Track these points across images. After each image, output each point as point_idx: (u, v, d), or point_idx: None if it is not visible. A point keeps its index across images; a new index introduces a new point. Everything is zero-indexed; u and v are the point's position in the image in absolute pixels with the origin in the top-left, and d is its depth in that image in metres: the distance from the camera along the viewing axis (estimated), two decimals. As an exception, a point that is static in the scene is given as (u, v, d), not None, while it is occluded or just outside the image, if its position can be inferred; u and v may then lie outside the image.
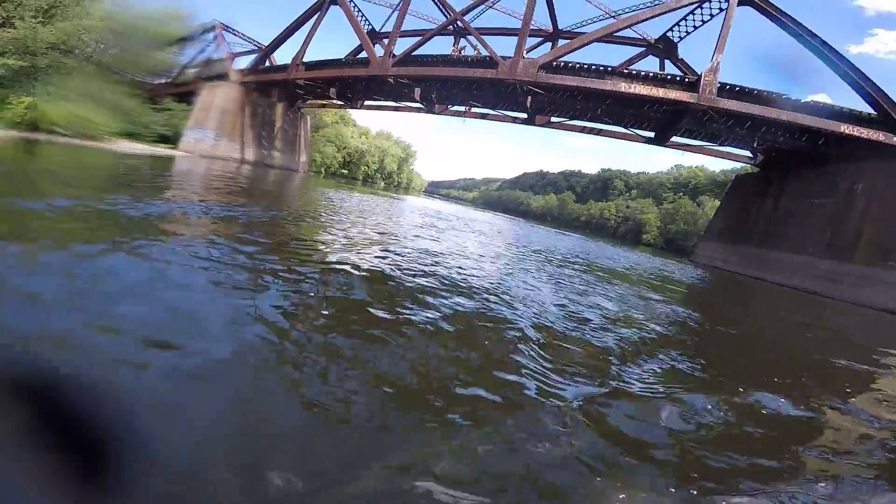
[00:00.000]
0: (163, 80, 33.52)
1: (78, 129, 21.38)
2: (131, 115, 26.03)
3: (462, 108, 28.54)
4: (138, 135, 26.75)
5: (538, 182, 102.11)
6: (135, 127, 26.48)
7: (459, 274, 4.69)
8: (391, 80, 23.90)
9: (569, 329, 3.43)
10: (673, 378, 2.76)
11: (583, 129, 25.61)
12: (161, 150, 26.34)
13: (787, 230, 20.88)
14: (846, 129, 16.52)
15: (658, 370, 2.81)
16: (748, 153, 24.26)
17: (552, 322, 3.51)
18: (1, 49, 20.86)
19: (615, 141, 25.73)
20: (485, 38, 21.66)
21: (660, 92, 18.15)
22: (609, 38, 21.54)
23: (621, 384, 2.43)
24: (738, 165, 32.21)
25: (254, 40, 34.89)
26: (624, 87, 18.44)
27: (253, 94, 30.63)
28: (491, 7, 23.72)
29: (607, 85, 18.66)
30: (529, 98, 22.44)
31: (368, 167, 70.68)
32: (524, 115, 25.97)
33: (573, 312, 4.07)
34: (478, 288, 4.13)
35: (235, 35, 32.86)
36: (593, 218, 75.25)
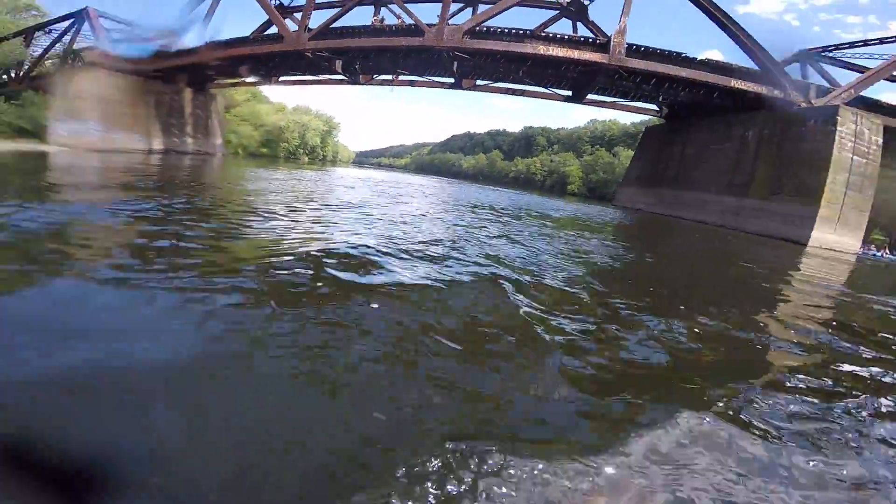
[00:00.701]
0: (12, 74, 29.84)
1: None
2: None
3: (389, 77, 27.90)
4: None
5: (467, 143, 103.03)
6: None
7: (418, 237, 5.13)
8: (309, 55, 22.72)
9: (535, 272, 4.14)
10: (631, 306, 3.56)
11: (507, 91, 26.36)
12: (24, 145, 23.22)
13: (694, 173, 23.77)
14: (735, 83, 18.89)
15: (615, 300, 3.62)
16: (655, 107, 26.68)
17: (522, 268, 4.21)
18: None
19: (536, 100, 26.97)
20: (407, 6, 21.23)
21: (575, 53, 19.27)
22: (526, 2, 22.03)
23: (592, 317, 3.03)
24: (647, 118, 35.29)
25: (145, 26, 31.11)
26: (542, 49, 19.33)
27: (155, 83, 27.81)
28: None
29: (527, 48, 19.42)
30: (455, 63, 22.61)
31: (289, 143, 66.64)
32: (451, 80, 26.08)
33: (533, 258, 4.87)
34: (440, 247, 4.64)
35: (113, 21, 29.16)
36: (521, 174, 78.04)
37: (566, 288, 3.72)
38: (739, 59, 19.80)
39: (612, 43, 18.71)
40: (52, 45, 29.54)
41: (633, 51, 19.13)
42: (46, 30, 30.09)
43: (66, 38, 29.27)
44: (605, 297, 3.76)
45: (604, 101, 25.50)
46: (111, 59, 26.74)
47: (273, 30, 27.40)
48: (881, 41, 22.07)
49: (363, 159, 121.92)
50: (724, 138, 22.09)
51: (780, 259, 10.64)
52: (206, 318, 2.17)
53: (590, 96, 24.88)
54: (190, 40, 27.38)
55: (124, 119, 26.44)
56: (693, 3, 19.48)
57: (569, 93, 24.96)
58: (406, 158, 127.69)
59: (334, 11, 22.08)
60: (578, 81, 23.10)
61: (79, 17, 27.89)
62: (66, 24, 28.58)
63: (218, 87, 33.45)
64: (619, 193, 32.58)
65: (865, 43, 22.74)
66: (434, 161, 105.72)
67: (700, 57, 19.54)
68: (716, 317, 3.44)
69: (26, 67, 29.91)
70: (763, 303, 4.72)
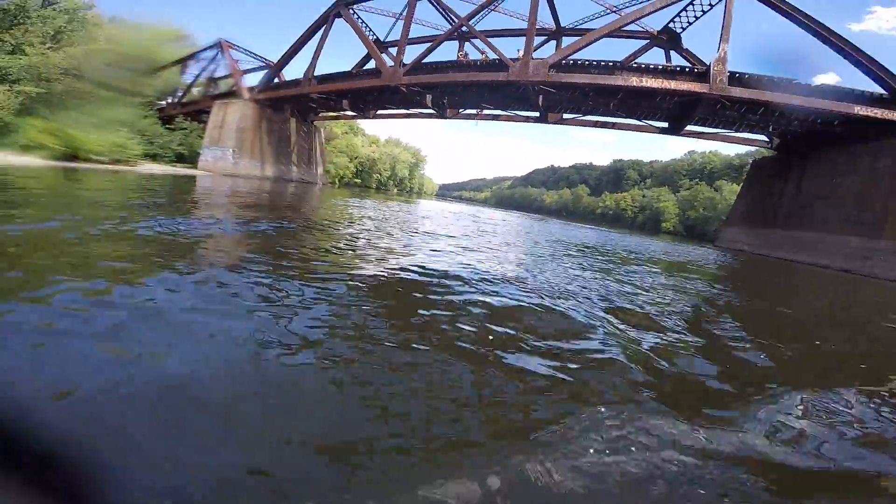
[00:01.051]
0: (169, 100, 34.55)
1: (111, 156, 22.65)
2: (149, 136, 27.33)
3: (473, 111, 28.89)
4: (157, 155, 27.99)
5: (550, 177, 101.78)
6: (154, 148, 27.74)
7: (506, 273, 4.89)
8: (403, 89, 24.45)
9: (634, 313, 3.78)
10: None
11: (595, 124, 25.70)
12: (181, 169, 27.38)
13: (811, 211, 20.74)
14: (859, 109, 16.46)
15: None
16: (764, 138, 24.06)
17: (615, 307, 3.85)
18: (15, 77, 22.11)
19: (626, 132, 25.86)
20: (490, 40, 22.08)
21: (671, 84, 18.28)
22: (614, 33, 21.62)
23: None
24: (753, 149, 31.85)
25: (259, 56, 35.84)
26: (635, 80, 18.63)
27: (267, 111, 31.57)
28: (492, 10, 24.00)
29: (618, 80, 18.88)
30: (541, 97, 22.70)
31: (381, 175, 71.68)
32: (536, 114, 26.19)
33: (631, 298, 4.44)
34: (531, 284, 4.39)
35: (240, 52, 33.85)
36: (609, 209, 74.64)
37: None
38: (859, 81, 17.31)
39: (711, 71, 17.46)
40: (201, 73, 34.09)
41: (736, 79, 17.65)
42: (196, 59, 34.58)
43: (210, 67, 33.70)
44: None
45: (704, 133, 23.65)
46: (247, 88, 31.09)
47: (370, 65, 30.31)
48: None
49: (445, 192, 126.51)
50: (849, 171, 19.07)
51: None
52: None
53: (689, 127, 23.24)
54: (294, 73, 30.87)
55: (247, 146, 30.32)
56: (799, 26, 17.63)
57: (665, 124, 23.59)
58: (486, 192, 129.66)
59: (424, 47, 23.58)
60: (676, 112, 21.78)
61: (217, 46, 32.53)
62: (210, 53, 33.28)
63: (321, 119, 37.27)
64: (723, 233, 29.37)
65: None
66: (514, 195, 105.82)
67: (814, 80, 17.36)
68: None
69: (179, 94, 34.52)
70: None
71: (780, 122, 19.93)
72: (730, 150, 61.08)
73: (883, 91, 16.67)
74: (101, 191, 8.94)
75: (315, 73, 27.83)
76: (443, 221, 12.98)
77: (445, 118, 29.68)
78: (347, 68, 29.30)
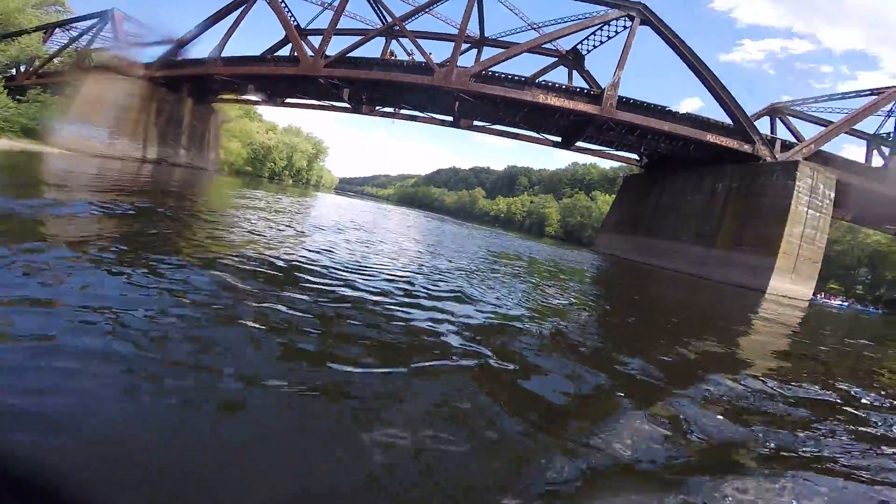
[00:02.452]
0: (23, 69, 29.61)
1: None
2: None
3: (391, 110, 29.33)
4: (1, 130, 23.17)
5: (451, 178, 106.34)
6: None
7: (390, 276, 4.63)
8: (321, 81, 23.91)
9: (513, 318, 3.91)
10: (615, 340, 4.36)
11: (501, 133, 28.06)
12: (32, 146, 22.94)
13: (668, 222, 25.55)
14: (710, 137, 21.05)
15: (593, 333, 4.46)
16: (635, 156, 29.08)
17: (495, 310, 4.00)
18: None
19: (523, 141, 28.71)
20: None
21: (570, 104, 21.21)
22: (532, 50, 24.15)
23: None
24: (625, 165, 38.06)
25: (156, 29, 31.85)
26: (542, 97, 21.18)
27: (161, 90, 28.29)
28: (426, 13, 24.92)
29: (527, 95, 21.23)
30: (457, 103, 24.22)
31: (275, 164, 67.22)
32: (450, 119, 27.68)
33: (515, 301, 4.73)
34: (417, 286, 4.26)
35: (135, 25, 29.82)
36: (501, 213, 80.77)
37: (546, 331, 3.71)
38: (715, 109, 21.97)
39: (605, 95, 20.73)
40: (70, 43, 29.58)
41: (623, 103, 21.13)
42: (67, 27, 30.15)
43: (84, 38, 29.28)
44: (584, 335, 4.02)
45: (590, 149, 27.60)
46: (129, 63, 27.14)
47: (284, 51, 28.80)
48: (843, 96, 25.03)
49: (346, 186, 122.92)
50: (697, 189, 24.07)
51: (744, 305, 11.94)
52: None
53: (578, 143, 26.95)
54: (198, 51, 28.16)
55: (129, 126, 26.59)
56: (678, 55, 21.45)
57: (558, 139, 26.95)
58: (390, 189, 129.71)
59: (348, 40, 23.41)
60: (569, 129, 25.11)
61: (103, 17, 28.27)
62: (89, 23, 28.96)
63: (220, 101, 34.06)
64: (598, 239, 34.44)
65: (830, 97, 25.87)
66: (418, 193, 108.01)
67: (682, 103, 22.01)
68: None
69: (36, 64, 29.56)
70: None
71: (651, 143, 24.35)
72: (605, 165, 71.08)
73: (730, 122, 21.18)
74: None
75: (223, 54, 25.55)
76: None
77: (361, 114, 29.53)
78: (253, 52, 27.52)
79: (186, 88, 29.86)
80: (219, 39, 26.95)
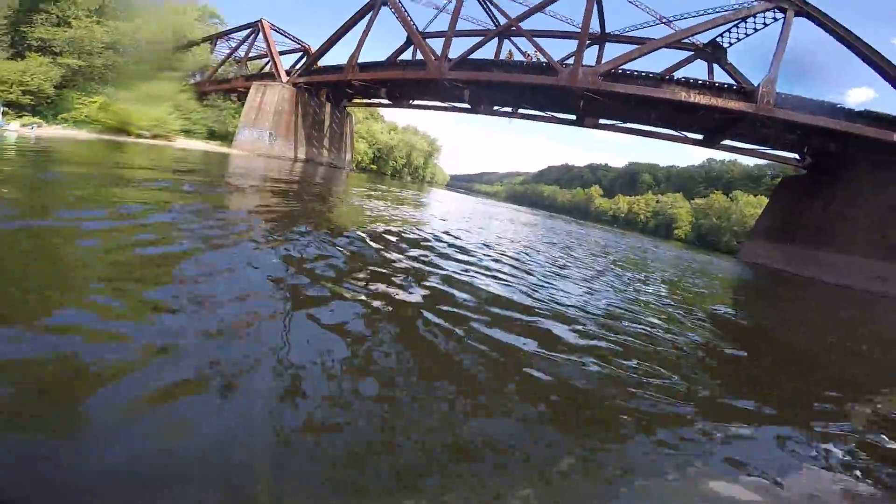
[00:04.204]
0: (198, 77, 34.56)
1: (152, 131, 23.26)
2: (185, 112, 27.73)
3: (509, 109, 29.33)
4: (191, 131, 28.47)
5: (563, 176, 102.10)
6: (188, 124, 28.18)
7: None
8: (446, 83, 24.92)
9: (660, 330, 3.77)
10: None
11: (632, 132, 26.03)
12: (214, 147, 27.93)
13: (836, 231, 21.33)
14: None
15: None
16: (796, 155, 24.58)
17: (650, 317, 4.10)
18: (59, 49, 22.50)
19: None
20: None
21: (718, 101, 18.79)
22: (669, 45, 22.06)
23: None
24: (776, 163, 32.34)
25: (296, 38, 36.32)
26: (683, 95, 19.15)
27: (304, 95, 32.02)
28: (541, 12, 24.34)
29: (666, 93, 19.38)
30: (582, 102, 23.19)
31: (396, 162, 72.02)
32: (573, 117, 26.61)
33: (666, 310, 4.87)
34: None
35: (280, 34, 34.31)
36: (621, 213, 75.12)
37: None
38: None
39: (759, 91, 17.98)
40: (231, 53, 34.62)
41: (782, 99, 18.16)
42: (227, 38, 35.16)
43: (243, 47, 34.15)
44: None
45: (739, 148, 24.13)
46: (287, 71, 31.57)
47: (406, 55, 30.64)
48: None
49: (455, 183, 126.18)
50: (877, 195, 19.67)
51: None
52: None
53: (724, 142, 23.79)
54: (330, 59, 31.32)
55: (283, 128, 30.88)
56: (844, 45, 18.07)
57: (700, 136, 24.10)
58: (497, 185, 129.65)
59: (463, 42, 23.88)
60: (714, 127, 22.31)
61: (254, 27, 32.97)
62: (245, 33, 33.84)
63: (353, 105, 37.72)
64: (745, 247, 30.08)
65: None
66: (527, 191, 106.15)
67: (848, 93, 17.95)
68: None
69: (208, 72, 34.90)
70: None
71: (816, 142, 20.48)
72: (749, 161, 61.15)
73: None
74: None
75: (359, 61, 28.19)
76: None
77: (480, 113, 30.05)
78: (377, 57, 29.72)
79: (325, 93, 33.42)
80: (345, 46, 29.65)
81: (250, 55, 35.89)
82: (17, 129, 16.37)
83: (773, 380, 3.14)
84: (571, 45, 27.86)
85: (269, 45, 32.49)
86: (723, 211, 56.71)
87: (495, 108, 29.49)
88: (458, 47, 24.91)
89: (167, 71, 29.16)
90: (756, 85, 18.32)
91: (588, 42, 27.62)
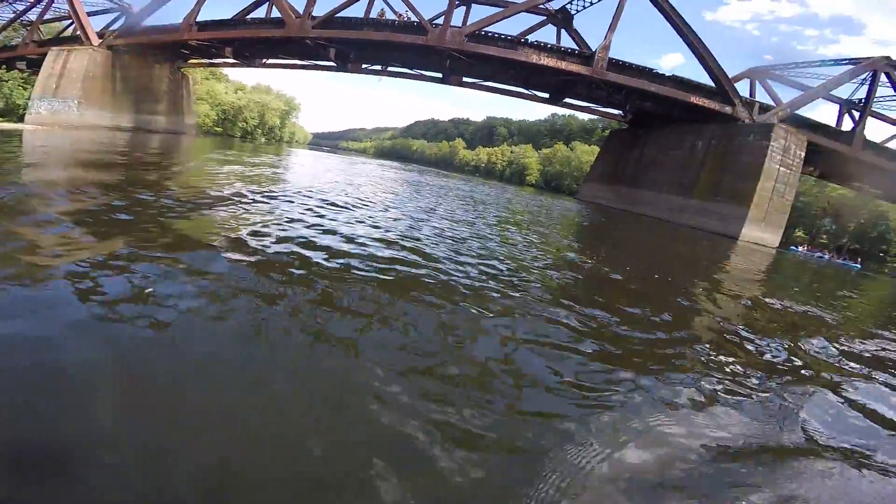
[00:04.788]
0: None
1: None
2: None
3: (378, 67, 28.64)
4: None
5: (430, 130, 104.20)
6: None
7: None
8: (309, 42, 23.16)
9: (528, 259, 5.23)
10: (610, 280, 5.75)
11: (491, 90, 28.03)
12: (3, 125, 21.89)
13: (649, 174, 27.07)
14: (694, 99, 22.03)
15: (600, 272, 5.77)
16: (620, 112, 29.83)
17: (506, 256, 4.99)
18: None
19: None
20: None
21: (562, 64, 21.54)
22: (526, 9, 23.82)
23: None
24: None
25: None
26: (535, 58, 21.41)
27: (124, 58, 26.81)
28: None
29: (521, 56, 21.40)
30: (448, 61, 24.06)
31: (247, 123, 64.45)
32: (440, 75, 27.37)
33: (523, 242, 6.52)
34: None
35: None
36: (482, 163, 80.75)
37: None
38: (696, 67, 22.40)
39: (595, 56, 21.15)
40: (17, 17, 28.14)
41: (612, 64, 21.66)
42: (10, 1, 28.17)
43: (36, 11, 27.53)
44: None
45: (578, 105, 28.15)
46: (100, 33, 25.69)
47: (260, 12, 27.21)
48: (821, 63, 25.82)
49: (320, 141, 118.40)
50: (678, 145, 25.42)
51: (720, 250, 13.68)
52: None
53: (566, 100, 27.43)
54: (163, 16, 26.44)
55: (97, 95, 25.52)
56: (667, 20, 21.81)
57: (547, 95, 27.33)
58: (366, 142, 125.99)
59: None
60: (559, 87, 25.49)
61: None
62: None
63: (191, 66, 32.33)
64: (582, 189, 35.91)
65: (809, 64, 26.76)
66: (396, 146, 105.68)
67: (663, 57, 22.46)
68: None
69: None
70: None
71: (636, 102, 25.18)
72: (584, 117, 71.12)
73: (712, 84, 22.12)
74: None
75: (197, 19, 24.11)
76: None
77: (347, 72, 28.77)
78: (222, 14, 25.91)
79: (156, 56, 28.47)
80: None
81: (45, 18, 28.09)
82: None
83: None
84: (441, 4, 28.18)
85: (72, 5, 25.71)
86: (564, 159, 65.56)
87: (364, 66, 28.46)
88: (322, 4, 23.04)
89: None
90: (593, 51, 21.45)
91: (456, 3, 28.36)
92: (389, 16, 25.14)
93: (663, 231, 17.17)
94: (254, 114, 64.83)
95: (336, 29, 22.26)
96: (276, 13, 24.03)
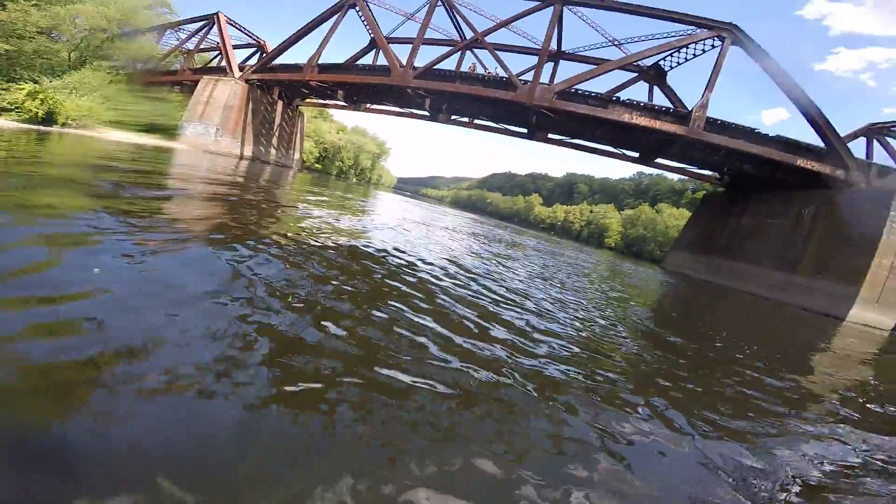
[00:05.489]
0: (139, 66, 32.66)
1: (81, 121, 21.36)
2: (116, 103, 25.61)
3: (466, 119, 30.31)
4: (124, 124, 26.35)
5: (506, 183, 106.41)
6: (120, 115, 26.03)
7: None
8: (409, 91, 25.29)
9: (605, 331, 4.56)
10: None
11: (578, 147, 28.12)
12: (155, 141, 26.04)
13: (747, 244, 24.58)
14: (801, 161, 20.06)
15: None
16: (716, 174, 28.05)
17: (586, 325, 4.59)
18: None
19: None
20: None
21: (657, 124, 21.01)
22: (618, 67, 24.12)
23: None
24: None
25: (252, 34, 34.87)
26: (626, 117, 21.17)
27: (256, 92, 30.85)
28: (506, 28, 25.58)
29: (612, 114, 21.30)
30: (535, 116, 24.69)
31: (343, 163, 70.82)
32: (524, 131, 28.18)
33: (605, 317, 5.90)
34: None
35: (235, 28, 32.80)
36: (557, 221, 79.63)
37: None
38: (801, 123, 20.42)
39: (692, 116, 20.40)
40: (180, 45, 32.70)
41: (710, 123, 20.67)
42: (177, 29, 33.09)
43: (194, 40, 32.38)
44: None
45: (670, 166, 27.02)
46: (240, 66, 30.02)
47: (367, 59, 30.56)
48: None
49: (402, 186, 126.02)
50: (782, 213, 22.90)
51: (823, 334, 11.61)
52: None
53: (657, 160, 26.49)
54: (289, 57, 30.47)
55: (231, 125, 29.41)
56: (769, 76, 20.46)
57: (636, 154, 26.65)
58: (444, 190, 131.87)
59: (428, 51, 24.51)
60: (650, 146, 24.80)
61: (210, 19, 31.31)
62: (197, 25, 32.03)
63: (306, 105, 36.73)
64: (669, 257, 33.51)
65: None
66: (472, 197, 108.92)
67: (763, 113, 20.88)
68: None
69: (152, 64, 32.37)
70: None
71: (736, 164, 23.57)
72: (674, 176, 68.05)
73: (822, 144, 20.14)
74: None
75: (319, 62, 27.66)
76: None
77: (438, 122, 30.75)
78: (333, 59, 29.46)
79: (277, 91, 32.51)
80: (301, 45, 29.09)
81: (200, 48, 33.90)
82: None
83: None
84: (528, 58, 29.67)
85: (223, 39, 30.87)
86: (649, 222, 62.41)
87: (453, 117, 30.32)
88: (421, 56, 25.46)
89: (101, 60, 26.91)
90: (689, 109, 20.75)
91: (546, 60, 29.66)
92: (481, 70, 26.82)
93: (758, 309, 15.17)
94: (350, 154, 71.46)
95: (432, 80, 24.10)
96: (381, 60, 26.74)
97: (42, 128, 18.29)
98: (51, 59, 23.21)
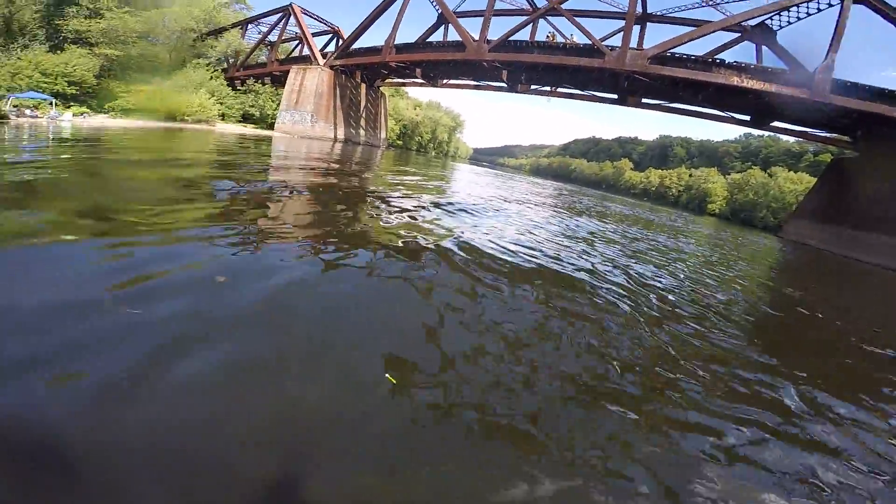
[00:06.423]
0: (229, 61, 34.93)
1: (195, 116, 24.09)
2: (219, 97, 28.39)
3: (547, 88, 28.99)
4: (228, 116, 29.28)
5: (590, 149, 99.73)
6: (223, 108, 28.88)
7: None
8: (485, 64, 24.82)
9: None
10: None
11: (678, 111, 25.42)
12: (252, 130, 28.77)
13: (888, 213, 20.79)
14: None
15: None
16: (847, 138, 23.74)
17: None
18: (95, 40, 22.94)
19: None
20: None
21: (771, 87, 18.32)
22: (716, 28, 21.30)
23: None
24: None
25: (326, 21, 36.30)
26: (735, 80, 18.76)
27: (340, 77, 32.42)
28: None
29: (718, 77, 18.99)
30: (627, 82, 22.85)
31: (422, 137, 71.95)
32: (615, 97, 26.21)
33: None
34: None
35: (309, 17, 34.17)
36: (652, 186, 73.37)
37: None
38: None
39: (816, 77, 17.46)
40: (263, 38, 34.57)
41: (838, 85, 17.62)
42: (256, 23, 35.14)
43: (275, 32, 34.11)
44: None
45: (790, 130, 23.47)
46: (324, 54, 31.73)
47: (436, 36, 30.21)
48: None
49: (479, 156, 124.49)
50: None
51: None
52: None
53: (774, 123, 23.20)
54: (361, 41, 31.21)
55: (323, 110, 31.48)
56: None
57: (747, 118, 23.55)
58: (522, 158, 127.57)
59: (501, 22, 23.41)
60: (763, 109, 21.75)
61: (285, 11, 33.00)
62: (275, 18, 33.83)
63: (387, 85, 37.78)
64: (789, 226, 29.49)
65: None
66: (553, 164, 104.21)
67: (881, 74, 17.17)
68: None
69: (241, 58, 34.96)
70: None
71: (869, 126, 19.84)
72: (789, 138, 58.42)
73: None
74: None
75: (395, 43, 28.21)
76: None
77: (517, 92, 29.84)
78: (403, 39, 29.39)
79: (359, 74, 33.67)
80: (377, 28, 29.49)
81: (278, 39, 36.00)
82: (70, 119, 17.21)
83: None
84: (608, 23, 27.27)
85: (302, 29, 32.68)
86: (760, 186, 54.91)
87: (533, 87, 29.20)
88: (492, 29, 24.58)
89: (198, 58, 29.99)
90: (812, 71, 17.75)
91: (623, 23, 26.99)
92: (559, 38, 25.25)
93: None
94: (427, 129, 72.36)
95: (508, 52, 23.32)
96: (451, 36, 26.35)
97: (164, 124, 20.69)
98: (153, 60, 25.67)
